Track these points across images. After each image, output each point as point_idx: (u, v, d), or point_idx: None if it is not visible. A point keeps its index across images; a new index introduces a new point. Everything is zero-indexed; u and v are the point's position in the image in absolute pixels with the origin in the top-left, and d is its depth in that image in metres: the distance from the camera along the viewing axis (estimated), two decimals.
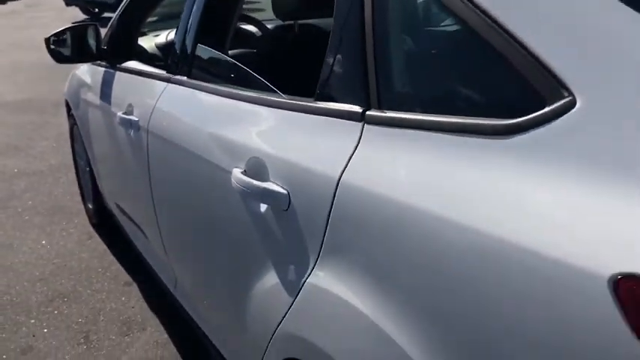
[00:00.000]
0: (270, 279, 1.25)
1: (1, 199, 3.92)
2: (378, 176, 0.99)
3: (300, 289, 1.14)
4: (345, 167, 1.04)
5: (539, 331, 0.71)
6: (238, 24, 2.46)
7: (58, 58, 2.63)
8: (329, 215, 1.05)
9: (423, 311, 0.87)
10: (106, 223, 3.24)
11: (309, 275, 1.11)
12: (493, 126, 0.84)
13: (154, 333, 2.46)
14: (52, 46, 2.62)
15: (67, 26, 2.62)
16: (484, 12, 0.88)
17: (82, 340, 2.43)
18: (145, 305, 2.66)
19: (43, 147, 4.96)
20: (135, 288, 2.81)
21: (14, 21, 14.39)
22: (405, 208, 0.90)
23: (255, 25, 2.92)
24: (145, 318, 2.56)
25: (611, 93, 0.74)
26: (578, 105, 0.75)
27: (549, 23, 0.82)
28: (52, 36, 2.62)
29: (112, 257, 3.10)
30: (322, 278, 1.08)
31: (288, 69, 1.85)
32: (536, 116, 0.79)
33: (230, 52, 1.83)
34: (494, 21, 0.86)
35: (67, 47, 2.61)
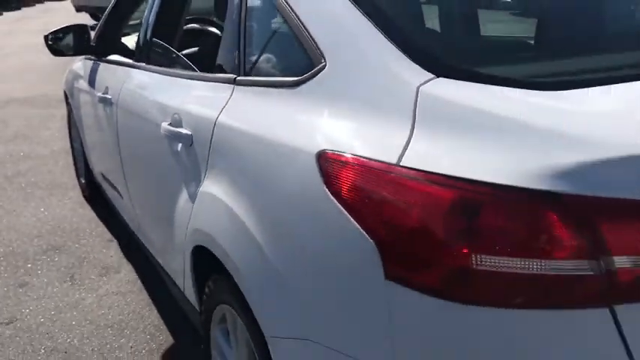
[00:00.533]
0: (183, 193, 1.82)
1: (9, 177, 4.52)
2: (238, 118, 1.57)
3: (197, 196, 1.70)
4: (219, 113, 1.62)
5: (289, 198, 1.28)
6: (185, 24, 3.03)
7: (55, 51, 3.21)
8: (210, 144, 1.63)
9: (258, 202, 1.42)
10: (95, 197, 3.82)
11: (201, 186, 1.68)
12: (290, 82, 1.42)
13: (127, 274, 3.03)
14: (50, 42, 3.20)
15: (62, 26, 3.20)
16: (291, 12, 1.45)
17: (67, 279, 3.00)
18: (122, 255, 3.24)
19: (47, 135, 5.57)
20: (115, 244, 3.38)
21: (28, 25, 15.15)
22: (251, 136, 1.48)
23: (198, 24, 3.53)
24: (121, 264, 3.14)
25: (345, 61, 1.31)
26: (326, 67, 1.32)
27: (320, 18, 1.40)
28: (50, 34, 3.21)
29: (98, 221, 3.69)
30: (207, 187, 1.65)
31: (205, 55, 2.47)
32: (307, 75, 1.36)
33: (173, 43, 2.41)
34: (295, 17, 1.43)
35: (62, 43, 3.20)
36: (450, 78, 1.15)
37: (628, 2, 1.93)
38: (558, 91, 1.13)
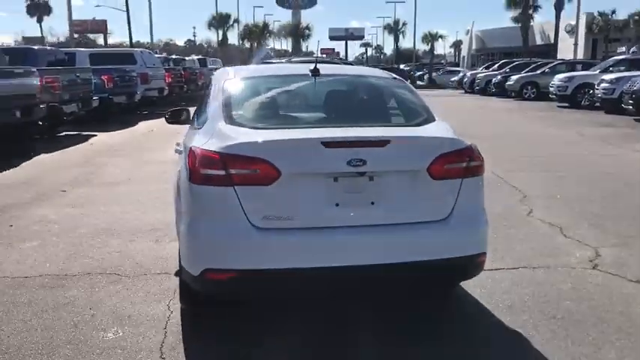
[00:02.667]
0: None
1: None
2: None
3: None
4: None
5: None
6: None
7: (169, 122, 4.89)
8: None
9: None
10: None
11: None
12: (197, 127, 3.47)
13: None
14: (167, 116, 4.93)
15: (173, 108, 4.95)
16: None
17: None
18: None
19: None
20: None
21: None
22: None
23: None
24: None
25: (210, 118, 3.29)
26: (219, 123, 3.28)
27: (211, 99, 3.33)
28: (166, 112, 4.89)
29: None
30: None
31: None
32: (200, 123, 3.26)
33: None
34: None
35: (173, 117, 4.91)
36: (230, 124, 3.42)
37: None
38: (259, 130, 3.38)
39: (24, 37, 71.71)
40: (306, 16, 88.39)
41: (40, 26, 74.88)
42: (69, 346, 3.37)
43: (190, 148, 3.32)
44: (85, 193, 7.38)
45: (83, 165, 9.60)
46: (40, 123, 11.59)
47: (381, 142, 3.23)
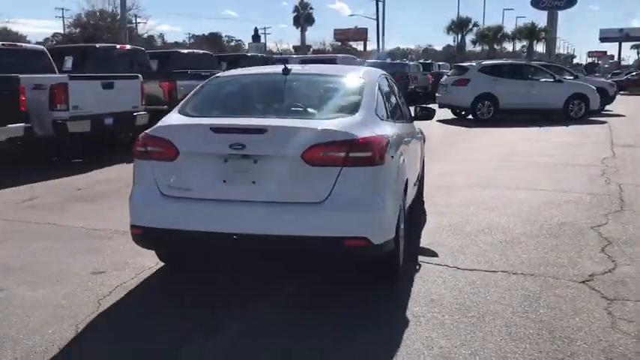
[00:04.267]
0: None
1: None
2: None
3: None
4: None
5: None
6: None
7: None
8: None
9: None
10: None
11: None
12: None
13: None
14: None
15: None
16: None
17: None
18: None
19: None
20: None
21: None
22: None
23: None
24: None
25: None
26: None
27: None
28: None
29: None
30: None
31: None
32: None
33: None
34: None
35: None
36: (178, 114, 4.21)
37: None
38: (191, 117, 4.20)
39: (294, 47, 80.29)
40: (566, 16, 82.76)
41: (303, 35, 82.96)
42: None
43: None
44: None
45: None
46: None
47: (259, 130, 3.80)
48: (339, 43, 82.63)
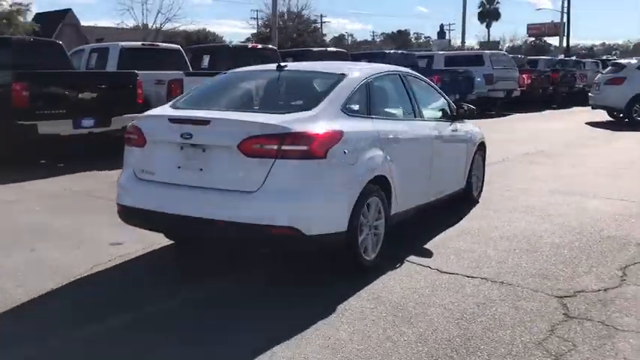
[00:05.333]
0: None
1: None
2: None
3: None
4: None
5: None
6: None
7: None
8: None
9: None
10: None
11: None
12: None
13: None
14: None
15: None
16: None
17: None
18: None
19: None
20: None
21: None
22: None
23: None
24: None
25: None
26: None
27: None
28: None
29: None
30: None
31: None
32: None
33: None
34: None
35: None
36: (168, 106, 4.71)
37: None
38: (174, 109, 4.57)
39: (480, 42, 78.24)
40: None
41: (488, 31, 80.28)
42: None
43: None
44: None
45: None
46: None
47: (204, 121, 4.13)
48: (533, 39, 78.62)
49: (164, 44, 13.07)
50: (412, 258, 4.86)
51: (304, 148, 3.92)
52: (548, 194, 7.36)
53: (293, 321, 3.68)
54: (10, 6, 51.69)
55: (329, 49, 18.72)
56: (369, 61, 17.65)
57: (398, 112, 5.29)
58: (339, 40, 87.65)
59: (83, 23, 56.20)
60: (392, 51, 21.00)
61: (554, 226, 5.89)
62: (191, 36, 51.40)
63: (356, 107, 4.58)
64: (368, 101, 4.74)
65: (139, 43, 11.77)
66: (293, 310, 3.88)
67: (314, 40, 61.11)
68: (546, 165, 9.78)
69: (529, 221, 6.06)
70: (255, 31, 59.41)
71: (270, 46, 15.09)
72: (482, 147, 6.89)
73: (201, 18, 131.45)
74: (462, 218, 6.16)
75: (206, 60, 13.80)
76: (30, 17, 54.14)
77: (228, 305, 3.99)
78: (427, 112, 5.73)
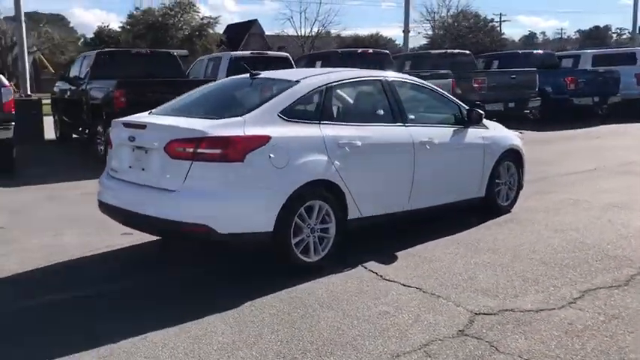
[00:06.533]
0: None
1: None
2: None
3: None
4: None
5: None
6: None
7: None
8: None
9: None
10: None
11: None
12: None
13: None
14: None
15: None
16: None
17: None
18: None
19: None
20: None
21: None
22: None
23: None
24: None
25: None
26: None
27: None
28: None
29: None
30: None
31: None
32: None
33: None
34: None
35: None
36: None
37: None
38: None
39: None
40: None
41: None
42: None
43: None
44: None
45: None
46: None
47: (141, 126, 4.61)
48: None
49: (272, 52, 13.88)
50: (370, 263, 4.85)
51: (218, 151, 4.19)
52: (599, 209, 6.67)
53: (186, 313, 3.92)
54: (202, 19, 57.90)
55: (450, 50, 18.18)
56: (500, 64, 17.00)
57: (369, 118, 5.26)
58: (529, 38, 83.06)
59: (267, 32, 60.44)
60: (521, 51, 19.77)
61: (563, 241, 5.42)
62: (363, 40, 52.56)
63: (301, 113, 4.70)
64: (320, 107, 4.83)
65: (249, 52, 12.67)
66: (194, 305, 4.09)
67: (491, 39, 59.05)
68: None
69: (541, 234, 5.63)
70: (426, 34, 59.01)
71: (384, 50, 15.24)
72: (512, 153, 6.47)
73: (363, 23, 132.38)
74: (470, 227, 5.91)
75: (318, 65, 14.36)
76: (220, 29, 59.53)
77: (148, 295, 4.36)
78: (421, 118, 5.62)
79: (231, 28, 68.94)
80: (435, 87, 6.00)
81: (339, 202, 4.76)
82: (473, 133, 5.98)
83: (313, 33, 50.21)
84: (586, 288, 4.30)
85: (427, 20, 54.23)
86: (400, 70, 15.97)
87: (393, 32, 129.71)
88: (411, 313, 3.90)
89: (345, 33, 55.53)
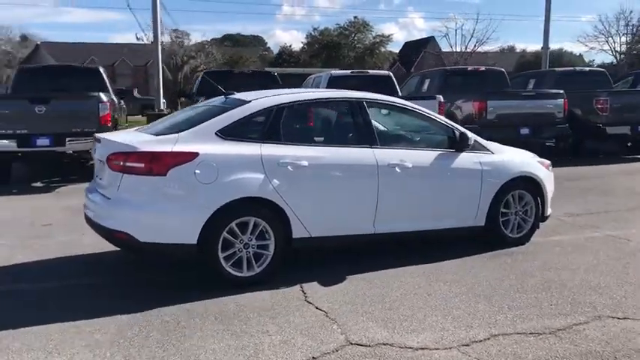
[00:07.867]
0: None
1: None
2: None
3: None
4: None
5: None
6: None
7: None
8: None
9: None
10: None
11: None
12: None
13: None
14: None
15: None
16: None
17: None
18: None
19: None
20: None
21: None
22: None
23: None
24: None
25: None
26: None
27: None
28: None
29: None
30: None
31: None
32: None
33: None
34: None
35: None
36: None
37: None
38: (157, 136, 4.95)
39: None
40: None
41: None
42: None
43: None
44: None
45: None
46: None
47: (99, 140, 5.08)
48: None
49: (373, 71, 13.93)
50: (310, 284, 4.83)
51: (142, 165, 4.52)
52: (630, 250, 5.85)
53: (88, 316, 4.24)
54: (374, 38, 59.37)
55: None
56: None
57: (327, 139, 5.21)
58: None
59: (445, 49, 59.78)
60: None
61: (540, 280, 4.92)
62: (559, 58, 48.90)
63: (240, 132, 4.83)
64: (266, 127, 4.91)
65: (349, 71, 12.94)
66: (100, 306, 4.40)
67: None
68: None
69: (524, 271, 5.14)
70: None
71: (499, 68, 14.51)
72: (525, 181, 5.93)
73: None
74: (457, 257, 5.54)
75: (425, 84, 14.15)
76: (393, 47, 60.47)
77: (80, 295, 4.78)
78: (396, 140, 5.45)
79: (408, 46, 69.53)
80: (424, 109, 5.73)
81: (280, 220, 4.82)
82: (467, 158, 5.63)
83: (477, 49, 48.72)
84: (498, 332, 3.90)
85: (602, 34, 49.19)
86: (524, 87, 15.08)
87: (575, 47, 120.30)
88: (288, 335, 3.87)
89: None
